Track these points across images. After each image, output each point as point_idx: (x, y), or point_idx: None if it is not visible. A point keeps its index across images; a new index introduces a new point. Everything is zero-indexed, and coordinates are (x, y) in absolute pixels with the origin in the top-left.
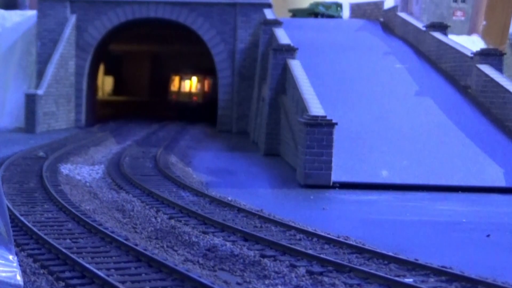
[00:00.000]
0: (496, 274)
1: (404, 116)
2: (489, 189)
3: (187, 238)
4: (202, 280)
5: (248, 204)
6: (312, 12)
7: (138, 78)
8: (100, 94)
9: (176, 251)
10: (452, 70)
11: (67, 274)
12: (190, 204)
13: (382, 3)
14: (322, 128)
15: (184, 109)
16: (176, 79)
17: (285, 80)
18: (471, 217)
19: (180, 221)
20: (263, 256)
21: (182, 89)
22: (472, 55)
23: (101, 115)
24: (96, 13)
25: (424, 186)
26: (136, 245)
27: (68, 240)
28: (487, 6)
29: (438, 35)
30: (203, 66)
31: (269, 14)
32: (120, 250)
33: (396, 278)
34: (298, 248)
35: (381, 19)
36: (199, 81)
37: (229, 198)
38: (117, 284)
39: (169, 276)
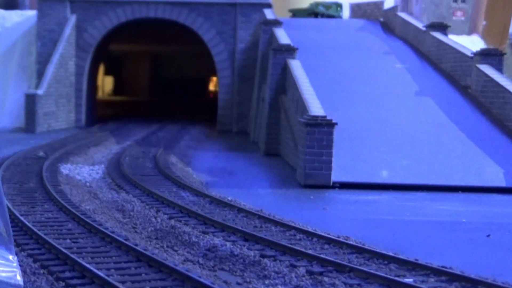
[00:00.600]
0: (496, 274)
1: (404, 116)
2: (489, 189)
3: (187, 238)
4: (202, 280)
5: (248, 204)
6: (312, 12)
7: (138, 78)
8: (100, 94)
9: (176, 251)
10: (452, 70)
11: (67, 274)
12: (190, 204)
13: (382, 3)
14: (322, 128)
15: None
16: (214, 80)
17: (285, 80)
18: (471, 217)
19: (180, 221)
20: (263, 256)
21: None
22: (472, 55)
23: (101, 115)
24: (96, 13)
25: (424, 186)
26: (136, 245)
27: (68, 240)
28: (487, 6)
29: (438, 35)
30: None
31: (269, 14)
32: (120, 250)
33: (396, 278)
34: (298, 248)
35: (381, 19)
36: None
37: (229, 198)
38: (117, 284)
39: (169, 276)
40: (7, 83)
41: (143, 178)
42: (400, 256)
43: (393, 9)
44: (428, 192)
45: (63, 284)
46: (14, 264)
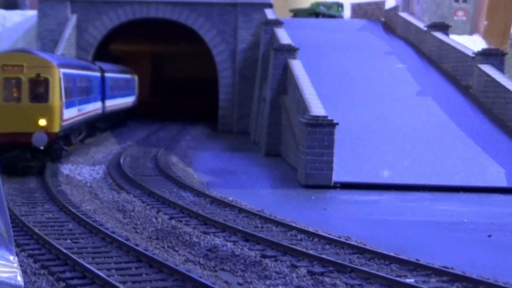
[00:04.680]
0: (498, 275)
1: (405, 116)
2: (490, 189)
3: (188, 238)
4: (203, 280)
5: (249, 205)
6: (313, 12)
7: (139, 78)
8: None
9: (177, 251)
10: (454, 70)
11: (68, 274)
12: (191, 204)
13: (383, 3)
14: (323, 128)
15: None
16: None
17: (286, 80)
18: (472, 217)
19: (181, 221)
20: (264, 256)
21: None
22: (473, 55)
23: None
24: (96, 13)
25: (425, 186)
26: (137, 245)
27: (68, 241)
28: (488, 6)
29: (439, 35)
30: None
31: (270, 14)
32: (121, 250)
33: (398, 279)
34: (299, 249)
35: (382, 19)
36: None
37: (230, 199)
38: (117, 284)
39: (170, 276)
40: None
41: (143, 178)
42: (401, 257)
43: (394, 9)
44: (429, 192)
45: (64, 284)
46: (15, 265)
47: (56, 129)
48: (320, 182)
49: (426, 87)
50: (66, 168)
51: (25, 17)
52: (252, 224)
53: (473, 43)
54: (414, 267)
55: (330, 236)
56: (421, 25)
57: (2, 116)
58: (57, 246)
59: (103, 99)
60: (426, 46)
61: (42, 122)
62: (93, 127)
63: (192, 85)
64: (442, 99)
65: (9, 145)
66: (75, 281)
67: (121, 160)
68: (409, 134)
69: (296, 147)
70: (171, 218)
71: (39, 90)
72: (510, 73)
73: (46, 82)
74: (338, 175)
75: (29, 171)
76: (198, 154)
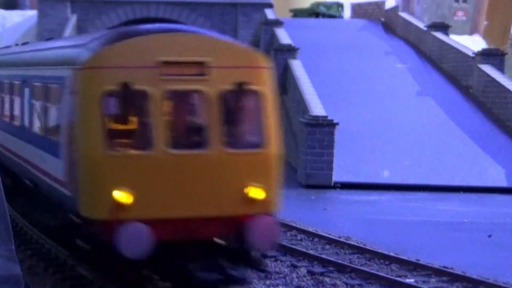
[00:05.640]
0: (498, 275)
1: (406, 116)
2: (490, 189)
3: None
4: None
5: None
6: (313, 12)
7: None
8: None
9: None
10: (454, 70)
11: (68, 273)
12: None
13: (383, 3)
14: (323, 128)
15: None
16: None
17: (286, 80)
18: (472, 217)
19: None
20: (264, 256)
21: None
22: (473, 55)
23: None
24: (96, 13)
25: (425, 186)
26: None
27: None
28: (488, 6)
29: (439, 35)
30: None
31: (270, 14)
32: None
33: (398, 279)
34: (299, 249)
35: (382, 19)
36: None
37: None
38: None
39: None
40: None
41: None
42: (402, 257)
43: (394, 9)
44: (429, 192)
45: (64, 283)
46: (14, 263)
47: (276, 204)
48: (320, 182)
49: (426, 87)
50: None
51: (25, 17)
52: None
53: (473, 43)
54: (414, 267)
55: (330, 236)
56: (421, 25)
57: (164, 183)
58: (58, 245)
59: None
60: (426, 46)
61: (258, 192)
62: None
63: None
64: (442, 99)
65: (179, 248)
66: (76, 281)
67: None
68: (409, 134)
69: (296, 147)
70: None
71: (245, 120)
72: (510, 73)
73: (257, 102)
74: (338, 175)
75: None
76: None
